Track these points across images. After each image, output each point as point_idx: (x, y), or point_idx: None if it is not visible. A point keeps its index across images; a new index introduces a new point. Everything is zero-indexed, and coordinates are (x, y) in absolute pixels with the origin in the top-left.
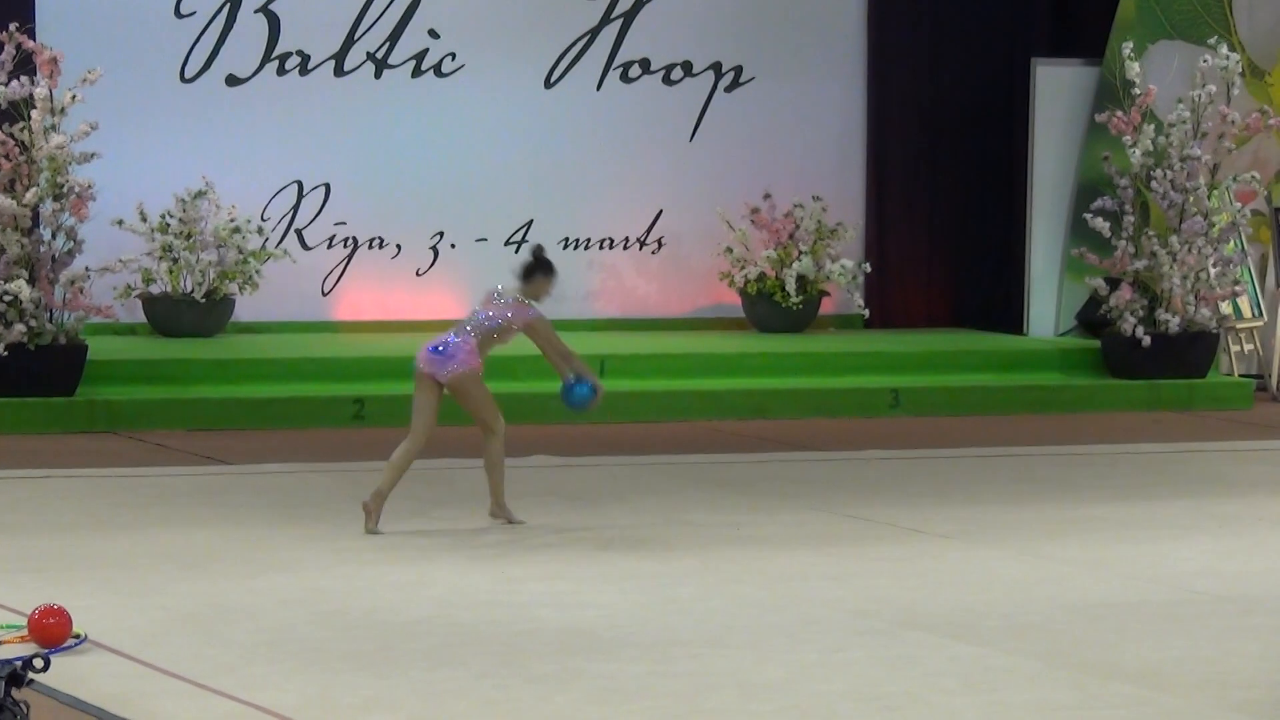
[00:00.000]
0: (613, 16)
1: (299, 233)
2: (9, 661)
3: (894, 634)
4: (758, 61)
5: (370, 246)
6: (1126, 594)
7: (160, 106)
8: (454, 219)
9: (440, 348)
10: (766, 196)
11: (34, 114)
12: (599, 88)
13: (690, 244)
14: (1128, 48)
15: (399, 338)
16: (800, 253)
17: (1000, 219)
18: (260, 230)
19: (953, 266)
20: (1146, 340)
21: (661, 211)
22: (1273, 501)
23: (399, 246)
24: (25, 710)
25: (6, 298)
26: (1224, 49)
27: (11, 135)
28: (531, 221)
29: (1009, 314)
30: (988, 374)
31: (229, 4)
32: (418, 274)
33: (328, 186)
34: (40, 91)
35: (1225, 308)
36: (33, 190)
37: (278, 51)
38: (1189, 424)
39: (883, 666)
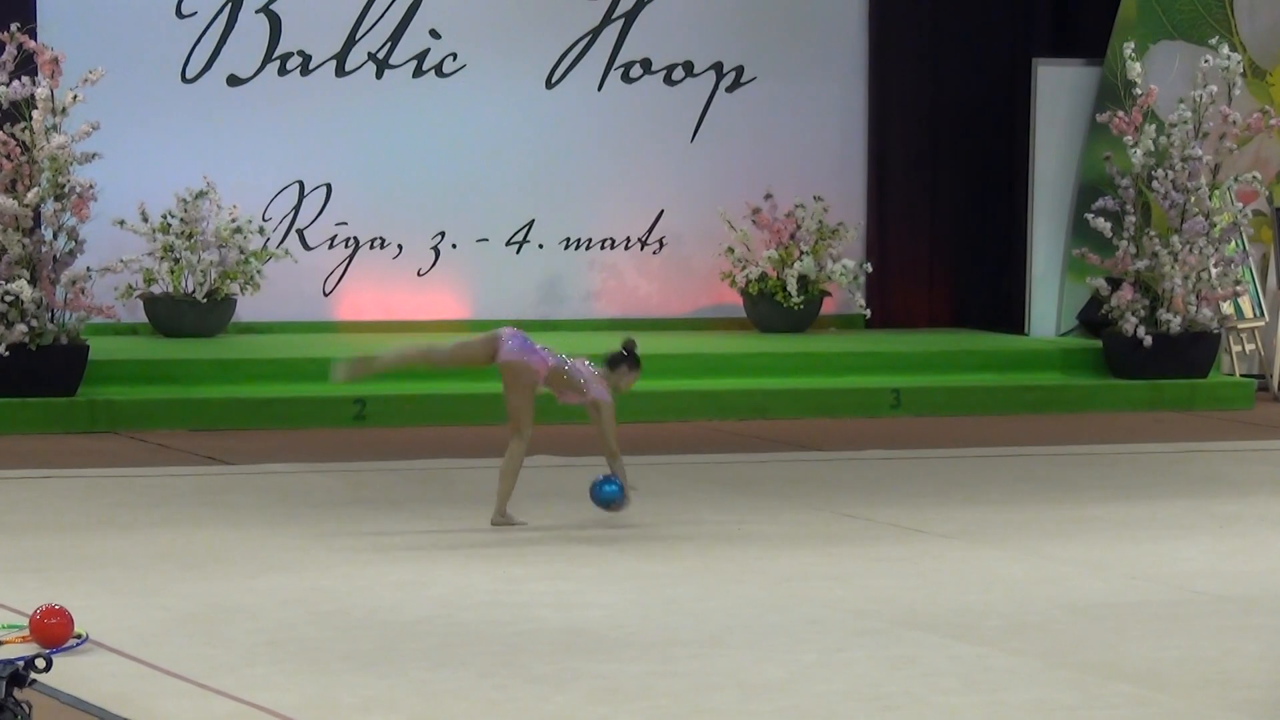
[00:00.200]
0: (614, 17)
1: (300, 233)
2: (11, 661)
3: (894, 634)
4: (759, 62)
5: (371, 247)
6: (1127, 594)
7: (161, 106)
8: (455, 219)
9: (526, 340)
10: (768, 196)
11: (35, 114)
12: (600, 88)
13: (691, 244)
14: (1129, 48)
15: (400, 338)
16: (801, 253)
17: (1001, 219)
18: (261, 230)
19: (954, 266)
20: (1148, 340)
21: (663, 211)
22: (1274, 501)
23: (400, 247)
24: (27, 710)
25: (8, 298)
26: (1225, 49)
27: (13, 135)
28: (533, 221)
29: (1010, 314)
30: (989, 374)
31: (230, 4)
32: (419, 274)
33: (329, 187)
34: (41, 92)
35: (1226, 308)
36: (34, 190)
37: (279, 52)
38: (1190, 424)
39: (883, 666)
